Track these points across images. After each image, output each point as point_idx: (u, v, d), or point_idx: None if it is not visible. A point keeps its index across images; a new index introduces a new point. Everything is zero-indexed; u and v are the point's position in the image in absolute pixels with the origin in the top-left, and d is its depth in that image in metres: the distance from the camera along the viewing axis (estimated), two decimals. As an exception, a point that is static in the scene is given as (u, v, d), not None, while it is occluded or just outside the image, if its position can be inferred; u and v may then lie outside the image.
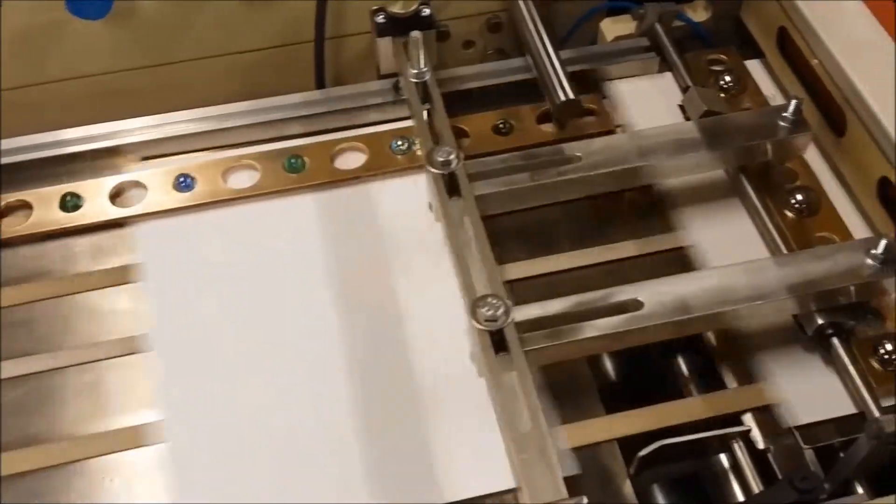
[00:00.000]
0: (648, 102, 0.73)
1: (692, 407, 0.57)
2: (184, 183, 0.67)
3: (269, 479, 0.54)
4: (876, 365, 0.57)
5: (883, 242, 0.57)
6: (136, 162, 0.69)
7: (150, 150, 0.70)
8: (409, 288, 0.62)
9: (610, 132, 0.70)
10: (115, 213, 0.66)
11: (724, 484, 0.57)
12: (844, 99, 0.64)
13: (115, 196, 0.67)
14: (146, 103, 0.72)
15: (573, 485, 0.51)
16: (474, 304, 0.53)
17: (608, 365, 0.64)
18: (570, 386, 0.58)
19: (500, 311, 0.53)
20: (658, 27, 0.75)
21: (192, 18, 0.75)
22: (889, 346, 0.57)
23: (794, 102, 0.63)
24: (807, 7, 0.67)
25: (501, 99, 0.73)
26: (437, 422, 0.56)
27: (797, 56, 0.70)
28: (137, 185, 0.67)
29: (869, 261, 0.57)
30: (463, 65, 0.76)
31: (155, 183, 0.67)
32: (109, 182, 0.67)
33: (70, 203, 0.66)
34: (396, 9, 0.68)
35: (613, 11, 0.80)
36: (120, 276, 0.64)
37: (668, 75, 0.74)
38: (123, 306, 0.63)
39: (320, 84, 0.76)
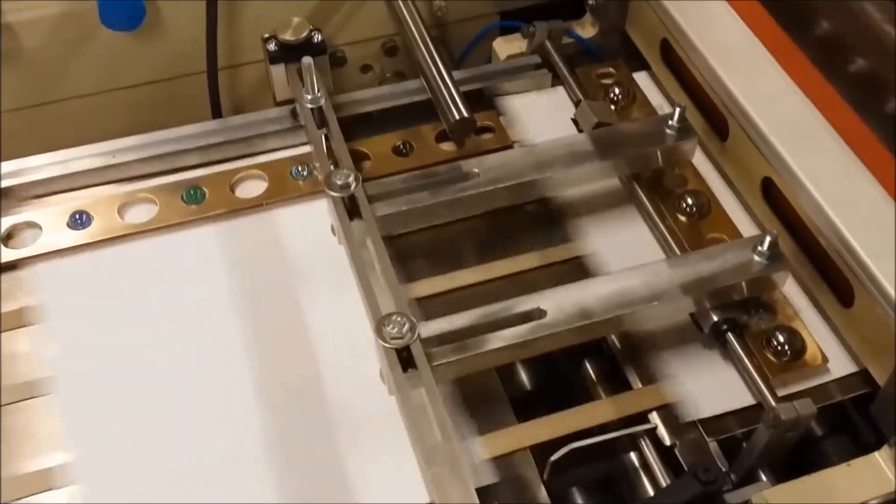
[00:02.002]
0: (542, 117, 0.75)
1: (601, 409, 0.59)
2: (79, 220, 0.66)
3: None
4: (770, 356, 0.60)
5: (768, 239, 0.59)
6: (29, 201, 0.68)
7: (44, 189, 0.68)
8: (316, 312, 0.62)
9: (507, 147, 0.72)
10: (9, 255, 0.64)
11: (636, 482, 0.58)
12: (724, 105, 0.67)
13: (8, 238, 0.65)
14: (35, 143, 0.70)
15: (487, 495, 0.52)
16: (380, 323, 0.54)
17: (519, 374, 0.65)
18: (481, 397, 0.59)
19: (406, 328, 0.54)
20: (548, 44, 0.78)
21: (78, 55, 0.74)
22: (781, 338, 0.60)
23: (678, 110, 0.66)
24: (684, 20, 0.70)
25: (401, 120, 0.74)
26: (351, 442, 0.56)
27: (680, 66, 0.73)
28: (31, 225, 0.66)
29: (756, 257, 0.59)
30: (362, 89, 0.76)
31: (49, 222, 0.66)
32: (2, 223, 0.65)
33: (-40, 247, 0.64)
34: (288, 36, 0.69)
35: (506, 31, 0.83)
36: (17, 320, 0.62)
37: (561, 90, 0.76)
38: (23, 349, 0.61)
39: (216, 114, 0.76)
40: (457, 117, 0.67)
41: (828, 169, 0.60)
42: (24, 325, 0.62)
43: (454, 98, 0.68)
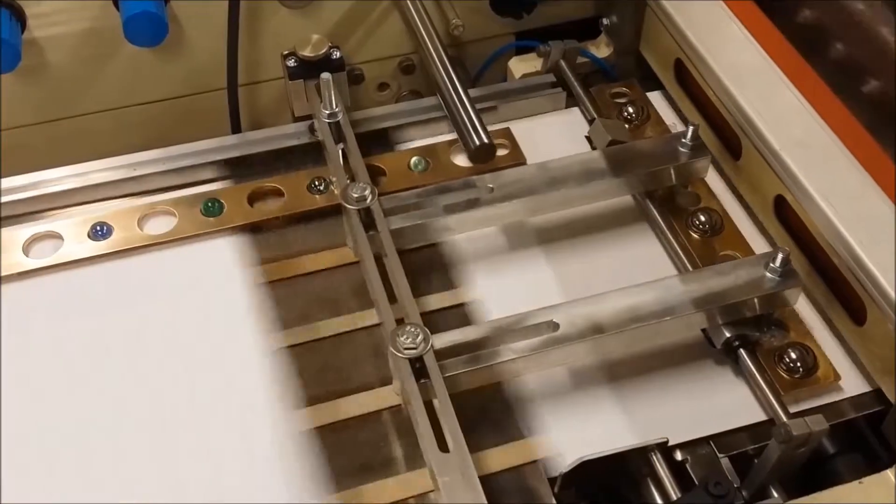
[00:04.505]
0: (558, 137, 0.75)
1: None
2: (100, 231, 0.67)
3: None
4: (783, 373, 0.60)
5: (780, 256, 0.59)
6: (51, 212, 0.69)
7: (66, 201, 0.70)
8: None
9: (521, 164, 0.72)
10: (30, 264, 0.65)
11: (647, 496, 0.58)
12: (738, 124, 0.67)
13: (30, 247, 0.66)
14: (58, 156, 0.72)
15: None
16: (393, 334, 0.54)
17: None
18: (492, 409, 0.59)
19: (419, 338, 0.54)
20: (562, 63, 0.79)
21: (101, 70, 0.76)
22: (794, 355, 0.60)
23: (691, 128, 0.67)
24: (698, 40, 0.71)
25: (417, 137, 0.75)
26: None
27: (693, 86, 0.74)
28: (53, 235, 0.67)
29: (769, 274, 0.60)
30: (378, 106, 0.77)
31: (70, 233, 0.67)
32: (24, 233, 0.67)
33: (-16, 255, 0.65)
34: (307, 52, 0.70)
35: (521, 50, 0.84)
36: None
37: (576, 111, 0.77)
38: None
39: (236, 129, 0.77)
40: (477, 143, 0.67)
41: (840, 187, 0.61)
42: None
43: (474, 123, 0.68)
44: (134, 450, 0.57)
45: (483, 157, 0.69)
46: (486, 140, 0.68)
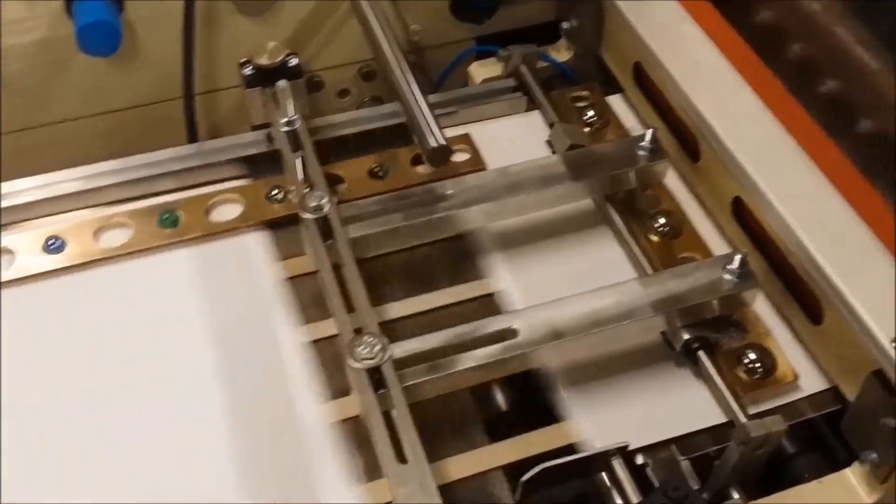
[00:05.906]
0: (518, 141, 0.75)
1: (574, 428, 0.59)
2: (53, 245, 0.66)
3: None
4: (742, 375, 0.60)
5: (738, 257, 0.60)
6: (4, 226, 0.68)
7: (19, 214, 0.69)
8: (289, 335, 0.62)
9: (481, 169, 0.72)
10: (-18, 280, 0.64)
11: (608, 501, 0.58)
12: (695, 127, 0.67)
13: (-18, 263, 0.65)
14: (14, 168, 0.71)
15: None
16: (350, 344, 0.54)
17: (493, 395, 0.65)
18: (454, 418, 0.59)
19: (377, 348, 0.54)
20: (523, 68, 0.79)
21: (57, 81, 0.75)
22: (752, 356, 0.60)
23: (650, 131, 0.67)
24: (655, 43, 0.71)
25: (376, 143, 0.75)
26: (322, 465, 0.56)
27: (652, 89, 0.74)
28: (5, 250, 0.66)
29: (727, 276, 0.60)
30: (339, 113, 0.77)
31: (23, 247, 0.66)
32: (-26, 249, 0.66)
33: (-67, 273, 0.64)
34: (263, 60, 0.70)
35: (481, 55, 0.84)
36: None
37: (536, 114, 0.77)
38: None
39: (192, 139, 0.76)
40: (433, 145, 0.67)
41: (796, 188, 0.61)
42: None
43: (430, 125, 0.68)
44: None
45: (439, 159, 0.69)
46: (441, 142, 0.68)
